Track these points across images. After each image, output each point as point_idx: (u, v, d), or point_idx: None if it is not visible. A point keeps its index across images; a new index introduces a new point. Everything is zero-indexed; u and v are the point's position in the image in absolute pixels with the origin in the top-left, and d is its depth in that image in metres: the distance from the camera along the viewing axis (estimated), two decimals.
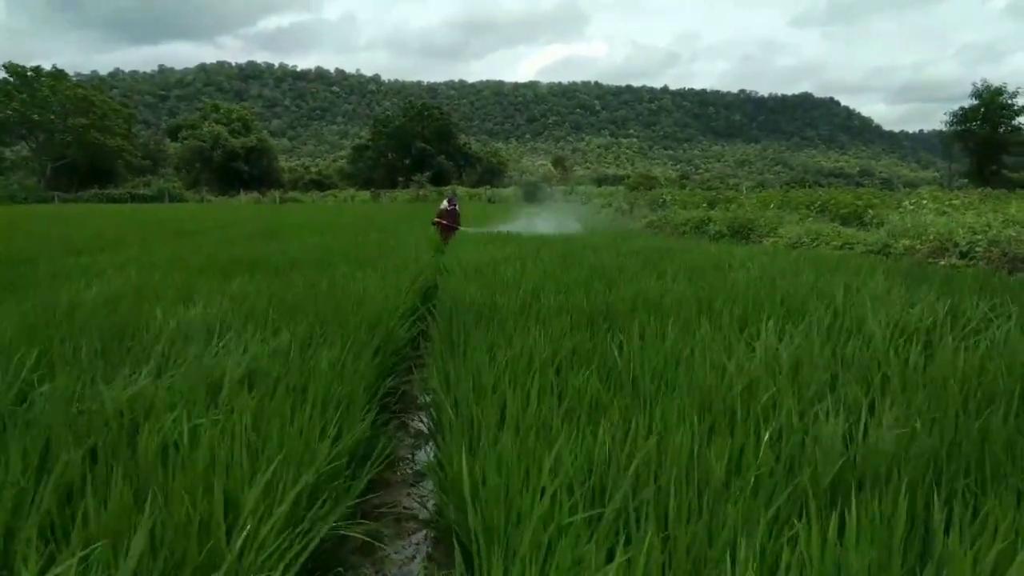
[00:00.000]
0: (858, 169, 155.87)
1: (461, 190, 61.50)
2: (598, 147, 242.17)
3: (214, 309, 5.02)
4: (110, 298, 5.59)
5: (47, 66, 70.25)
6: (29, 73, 67.41)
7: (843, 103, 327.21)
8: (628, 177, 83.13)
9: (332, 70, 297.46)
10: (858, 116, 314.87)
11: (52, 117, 65.98)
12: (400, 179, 73.64)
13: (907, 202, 17.29)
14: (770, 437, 2.48)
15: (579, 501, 2.13)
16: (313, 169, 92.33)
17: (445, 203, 15.33)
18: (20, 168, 70.25)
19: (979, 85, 53.12)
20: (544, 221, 18.90)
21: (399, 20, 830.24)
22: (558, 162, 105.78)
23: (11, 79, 66.09)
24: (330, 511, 2.41)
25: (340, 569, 2.51)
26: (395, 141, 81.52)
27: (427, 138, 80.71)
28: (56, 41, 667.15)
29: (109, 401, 2.85)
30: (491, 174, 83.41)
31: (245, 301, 5.39)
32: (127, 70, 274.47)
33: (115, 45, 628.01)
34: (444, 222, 14.77)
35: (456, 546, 2.18)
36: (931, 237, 12.08)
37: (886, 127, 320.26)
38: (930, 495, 2.05)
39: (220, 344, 4.00)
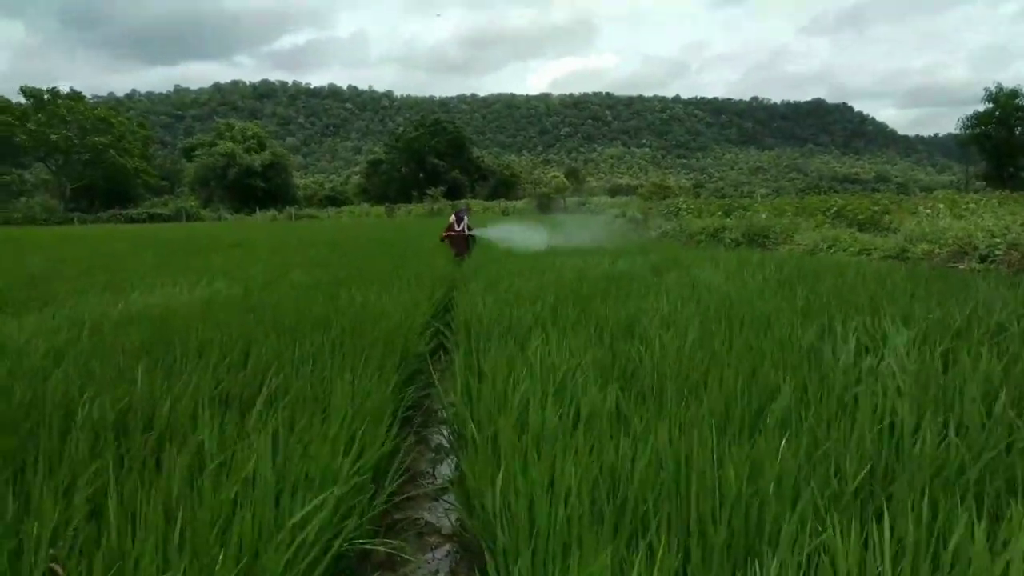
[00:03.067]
0: (873, 174, 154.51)
1: (475, 203, 61.60)
2: (611, 158, 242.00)
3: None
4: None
5: (65, 88, 71.33)
6: (45, 96, 68.33)
7: (856, 108, 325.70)
8: (641, 187, 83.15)
9: (345, 87, 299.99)
10: (872, 121, 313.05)
11: (70, 137, 66.68)
12: (415, 193, 73.98)
13: (923, 207, 17.18)
14: None
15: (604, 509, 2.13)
16: (328, 185, 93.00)
17: (453, 219, 14.62)
18: (40, 190, 71.12)
19: (992, 88, 52.73)
20: (558, 234, 18.46)
21: (410, 36, 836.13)
22: (571, 173, 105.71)
23: (27, 101, 66.97)
24: (353, 525, 2.43)
25: None
26: (408, 155, 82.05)
27: (441, 152, 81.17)
28: (74, 63, 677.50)
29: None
30: (504, 187, 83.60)
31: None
32: (143, 91, 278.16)
33: (132, 66, 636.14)
34: (452, 234, 14.23)
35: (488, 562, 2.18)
36: (949, 241, 11.99)
37: (900, 131, 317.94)
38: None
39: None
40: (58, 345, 4.48)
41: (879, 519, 1.90)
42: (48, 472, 2.43)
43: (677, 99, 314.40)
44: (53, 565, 1.89)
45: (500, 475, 2.42)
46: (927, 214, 15.50)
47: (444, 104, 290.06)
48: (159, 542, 1.94)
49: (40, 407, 3.08)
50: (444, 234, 14.50)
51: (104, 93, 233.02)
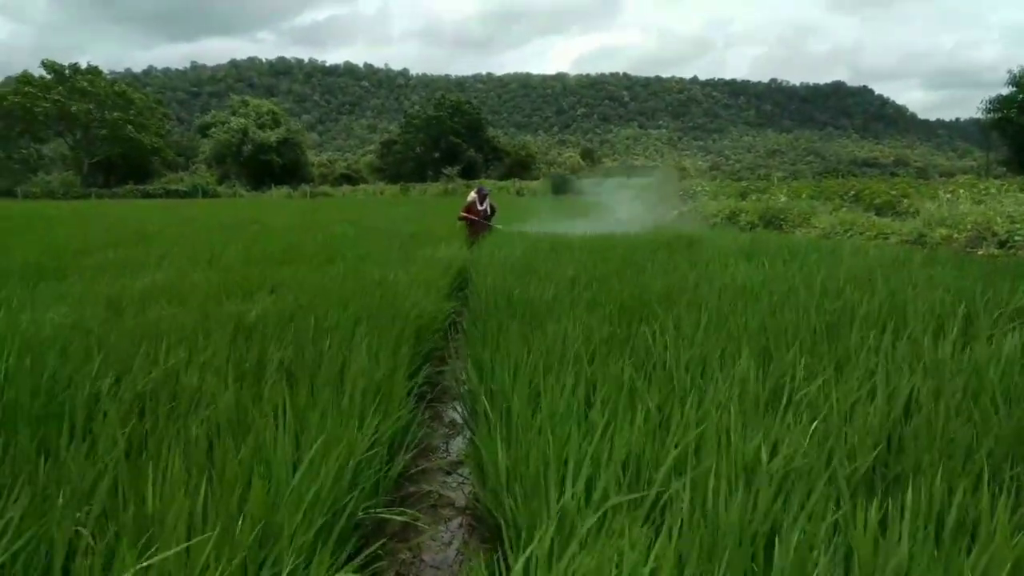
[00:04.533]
0: (892, 158, 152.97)
1: (489, 183, 61.41)
2: (627, 139, 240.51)
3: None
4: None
5: (83, 64, 71.48)
6: (66, 70, 68.54)
7: (877, 91, 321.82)
8: (657, 168, 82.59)
9: (361, 64, 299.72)
10: (892, 104, 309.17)
11: (91, 110, 66.84)
12: (430, 173, 73.94)
13: (942, 191, 17.01)
14: None
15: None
16: (343, 164, 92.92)
17: (473, 195, 13.26)
18: (58, 165, 71.57)
19: (1017, 71, 51.71)
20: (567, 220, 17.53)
21: (433, 12, 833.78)
22: (587, 154, 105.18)
23: (47, 76, 67.22)
24: (367, 494, 2.48)
25: (380, 553, 2.56)
26: (424, 135, 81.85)
27: (459, 132, 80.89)
28: (94, 39, 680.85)
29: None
30: (520, 167, 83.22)
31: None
32: (160, 67, 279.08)
33: (152, 42, 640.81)
34: (472, 217, 12.93)
35: (503, 534, 2.21)
36: (968, 226, 11.88)
37: (921, 115, 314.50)
38: None
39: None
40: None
41: (894, 496, 1.91)
42: (78, 437, 2.48)
43: (695, 80, 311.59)
44: (80, 528, 1.93)
45: (503, 450, 2.45)
46: (947, 199, 15.34)
47: (460, 83, 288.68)
48: (182, 507, 1.98)
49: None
50: (463, 213, 13.13)
51: (121, 69, 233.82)
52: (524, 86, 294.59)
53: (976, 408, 2.69)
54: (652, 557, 1.76)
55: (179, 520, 1.91)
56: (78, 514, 1.97)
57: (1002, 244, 10.89)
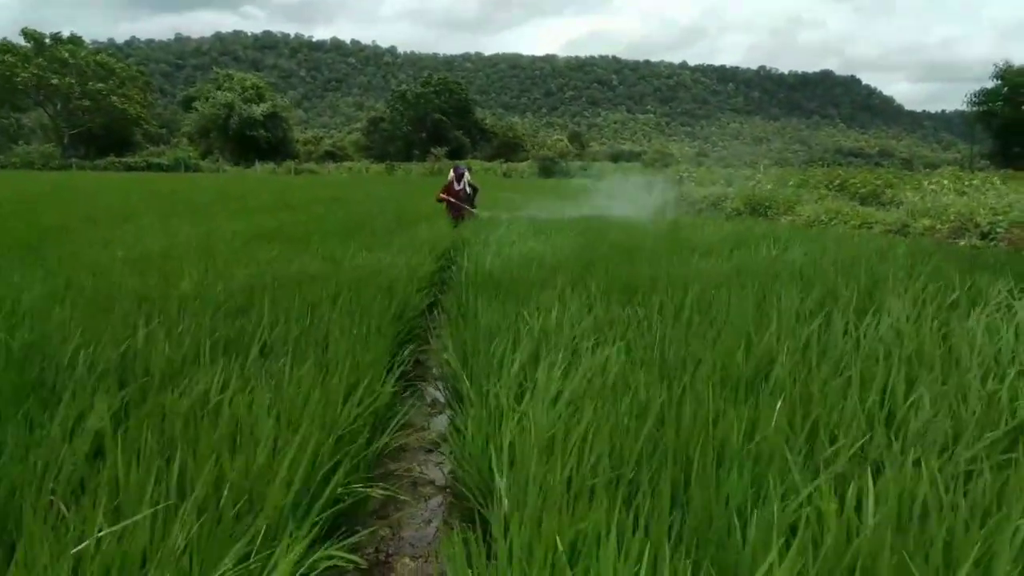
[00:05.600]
0: (878, 149, 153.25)
1: (475, 163, 61.05)
2: (614, 123, 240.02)
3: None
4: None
5: (66, 33, 70.20)
6: (47, 39, 67.28)
7: (865, 81, 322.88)
8: (644, 153, 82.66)
9: (348, 41, 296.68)
10: (879, 95, 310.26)
11: (72, 81, 65.68)
12: (416, 152, 73.45)
13: (927, 182, 17.12)
14: None
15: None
16: (328, 141, 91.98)
17: (451, 176, 12.26)
18: (37, 135, 70.41)
19: (1001, 65, 52.05)
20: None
21: None
22: (574, 137, 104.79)
23: (28, 44, 65.97)
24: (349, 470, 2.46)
25: (359, 529, 2.55)
26: (412, 114, 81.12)
27: (446, 112, 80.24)
28: (78, 10, 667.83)
29: None
30: (507, 148, 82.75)
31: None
32: (143, 38, 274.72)
33: (137, 13, 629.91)
34: (451, 199, 12.06)
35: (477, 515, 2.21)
36: (951, 217, 11.97)
37: (908, 107, 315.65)
38: None
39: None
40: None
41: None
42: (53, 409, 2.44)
43: (684, 65, 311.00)
44: (52, 498, 1.91)
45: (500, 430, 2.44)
46: (931, 190, 15.45)
47: (448, 62, 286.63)
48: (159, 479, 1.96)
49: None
50: (442, 195, 12.25)
51: (104, 40, 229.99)
52: (513, 67, 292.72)
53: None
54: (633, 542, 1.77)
55: (149, 489, 1.89)
56: (51, 484, 1.95)
57: (984, 235, 10.99)
